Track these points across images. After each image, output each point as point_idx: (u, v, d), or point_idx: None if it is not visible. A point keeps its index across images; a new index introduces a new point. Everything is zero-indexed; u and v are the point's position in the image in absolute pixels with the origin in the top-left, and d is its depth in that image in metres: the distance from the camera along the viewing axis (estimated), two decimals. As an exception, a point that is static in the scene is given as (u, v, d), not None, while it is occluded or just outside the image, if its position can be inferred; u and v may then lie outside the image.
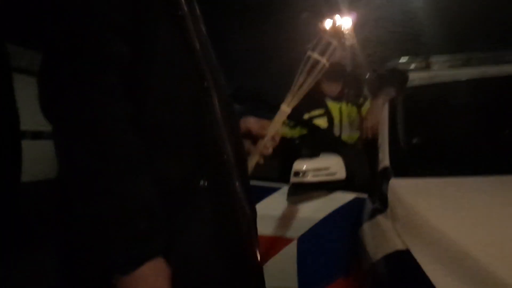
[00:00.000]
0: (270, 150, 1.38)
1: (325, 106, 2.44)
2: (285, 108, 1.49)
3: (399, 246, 1.36)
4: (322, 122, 2.42)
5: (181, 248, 0.84)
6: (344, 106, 2.48)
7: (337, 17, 1.71)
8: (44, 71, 0.79)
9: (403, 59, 2.81)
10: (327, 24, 1.71)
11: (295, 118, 2.35)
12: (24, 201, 1.00)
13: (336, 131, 2.44)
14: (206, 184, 0.88)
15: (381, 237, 1.57)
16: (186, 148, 0.87)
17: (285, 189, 2.18)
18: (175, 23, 0.89)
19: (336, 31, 1.65)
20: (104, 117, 0.77)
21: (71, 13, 0.78)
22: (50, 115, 0.78)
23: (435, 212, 1.39)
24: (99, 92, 0.77)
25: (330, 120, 2.42)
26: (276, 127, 1.42)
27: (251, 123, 1.39)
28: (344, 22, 1.67)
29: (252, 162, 1.35)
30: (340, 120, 2.45)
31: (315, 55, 1.50)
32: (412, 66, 2.71)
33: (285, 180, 2.14)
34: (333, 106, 2.46)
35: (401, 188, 1.64)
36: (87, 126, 0.76)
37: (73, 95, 0.76)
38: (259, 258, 1.04)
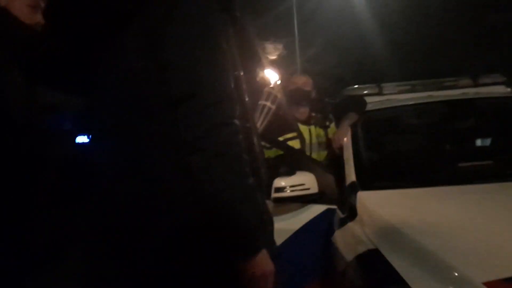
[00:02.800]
0: None
1: (297, 129, 2.78)
2: None
3: (370, 245, 1.66)
4: (295, 143, 2.75)
5: None
6: (313, 128, 2.82)
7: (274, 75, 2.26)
8: None
9: (358, 86, 3.16)
10: (272, 80, 2.25)
11: (271, 140, 2.65)
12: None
13: (307, 151, 2.77)
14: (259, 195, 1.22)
15: (353, 241, 1.87)
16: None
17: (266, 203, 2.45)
18: (236, 81, 1.20)
19: (277, 86, 2.27)
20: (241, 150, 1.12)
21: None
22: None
23: (398, 216, 1.72)
24: (236, 134, 1.11)
25: (302, 141, 2.76)
26: None
27: None
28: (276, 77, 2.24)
29: None
30: (310, 141, 2.79)
31: (266, 103, 2.17)
32: (366, 92, 3.04)
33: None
34: (304, 129, 2.80)
35: (368, 199, 1.96)
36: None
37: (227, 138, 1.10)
38: None
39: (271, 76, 2.36)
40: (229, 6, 1.25)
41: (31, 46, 1.50)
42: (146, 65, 1.14)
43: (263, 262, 1.11)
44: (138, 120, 1.16)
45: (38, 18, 1.55)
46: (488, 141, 3.03)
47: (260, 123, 2.20)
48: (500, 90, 2.93)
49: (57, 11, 1.41)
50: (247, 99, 1.30)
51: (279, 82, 2.32)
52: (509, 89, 2.95)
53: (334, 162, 2.59)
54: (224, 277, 1.14)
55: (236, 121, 1.12)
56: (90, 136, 1.38)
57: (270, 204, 2.42)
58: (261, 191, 1.26)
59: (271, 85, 2.26)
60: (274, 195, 2.31)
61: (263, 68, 2.26)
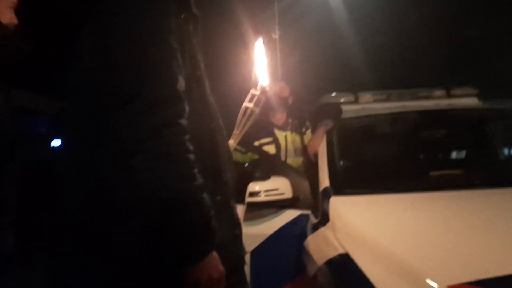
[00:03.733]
0: None
1: (273, 135, 2.80)
2: (232, 143, 2.09)
3: (340, 250, 1.68)
4: (270, 149, 2.77)
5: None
6: (289, 134, 2.84)
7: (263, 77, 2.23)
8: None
9: (335, 94, 3.20)
10: (256, 82, 2.21)
11: (246, 145, 2.66)
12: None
13: (283, 156, 2.79)
14: (221, 198, 1.21)
15: (324, 245, 1.89)
16: (206, 172, 1.16)
17: (239, 208, 2.45)
18: (196, 81, 1.21)
19: (262, 89, 2.18)
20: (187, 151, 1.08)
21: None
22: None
23: (368, 222, 1.75)
24: (182, 135, 1.08)
25: (278, 147, 2.78)
26: None
27: None
28: (265, 78, 2.22)
29: None
30: (286, 147, 2.81)
31: (249, 105, 2.10)
32: (343, 100, 3.09)
33: (239, 200, 2.42)
34: (280, 134, 2.83)
35: (340, 204, 1.98)
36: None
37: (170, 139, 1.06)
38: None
39: (258, 77, 2.24)
40: (186, 6, 1.24)
41: (6, 46, 1.49)
42: (98, 66, 1.13)
43: (211, 267, 1.08)
44: (90, 122, 1.15)
45: (13, 17, 1.54)
46: (458, 151, 3.10)
47: (242, 126, 2.13)
48: (471, 102, 3.00)
49: (25, 12, 1.42)
50: (212, 99, 1.29)
51: (265, 84, 2.22)
52: (480, 102, 3.03)
53: (310, 168, 2.61)
54: (169, 282, 1.10)
55: (183, 121, 1.09)
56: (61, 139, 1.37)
57: (241, 208, 2.43)
58: (224, 195, 1.24)
59: (256, 87, 2.16)
60: (248, 199, 2.32)
61: (250, 68, 2.27)
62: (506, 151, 3.13)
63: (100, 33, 1.13)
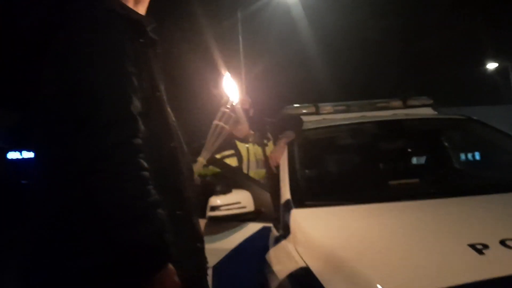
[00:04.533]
0: None
1: (234, 147, 2.78)
2: (202, 160, 2.17)
3: (301, 264, 1.68)
4: (232, 161, 2.74)
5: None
6: (251, 146, 2.83)
7: (232, 94, 2.30)
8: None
9: (296, 105, 3.23)
10: (226, 100, 2.30)
11: (208, 158, 2.63)
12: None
13: (245, 169, 2.77)
14: (182, 213, 1.28)
15: (286, 259, 1.88)
16: (167, 188, 1.23)
17: (200, 222, 2.42)
18: (156, 102, 1.29)
19: (232, 106, 2.29)
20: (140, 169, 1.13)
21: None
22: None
23: (329, 234, 1.76)
24: (135, 154, 1.13)
25: (240, 159, 2.76)
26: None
27: None
28: (236, 97, 2.32)
29: None
30: (248, 159, 2.79)
31: (219, 122, 2.19)
32: (304, 111, 3.12)
33: (201, 214, 2.38)
34: (242, 147, 2.81)
35: (301, 217, 1.98)
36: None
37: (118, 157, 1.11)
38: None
39: (229, 95, 2.33)
40: (143, 31, 1.32)
41: None
42: (56, 90, 1.19)
43: (166, 279, 1.14)
44: (49, 142, 1.21)
45: None
46: (416, 161, 3.18)
47: (212, 143, 2.21)
48: (427, 112, 3.10)
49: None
50: (172, 118, 1.36)
51: (235, 102, 2.31)
52: (435, 111, 3.13)
53: (272, 180, 2.61)
54: None
55: (136, 141, 1.15)
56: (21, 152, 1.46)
57: (202, 222, 2.39)
58: (186, 210, 1.29)
59: (227, 105, 2.25)
60: (209, 213, 2.29)
61: (218, 87, 2.34)
62: (460, 160, 3.24)
63: (58, 58, 1.21)
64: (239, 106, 2.71)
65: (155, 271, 1.13)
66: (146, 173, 1.14)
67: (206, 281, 1.46)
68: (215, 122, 2.20)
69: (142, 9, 1.41)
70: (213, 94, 2.48)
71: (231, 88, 2.26)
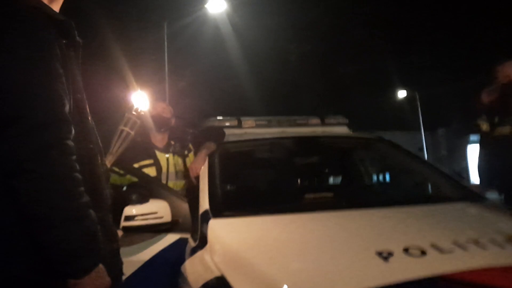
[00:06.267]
0: None
1: (153, 156, 2.71)
2: (106, 165, 2.02)
3: (216, 273, 1.67)
4: (151, 171, 2.67)
5: None
6: (171, 156, 2.78)
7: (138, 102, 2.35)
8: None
9: (219, 118, 3.25)
10: (132, 105, 2.34)
11: (125, 167, 2.54)
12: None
13: (164, 179, 2.71)
14: (100, 215, 1.26)
15: (201, 268, 1.86)
16: (86, 190, 1.22)
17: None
18: (77, 104, 1.28)
19: (138, 112, 2.32)
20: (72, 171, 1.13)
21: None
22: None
23: (244, 243, 1.76)
24: (67, 155, 1.13)
25: (159, 169, 2.69)
26: None
27: None
28: (141, 103, 2.39)
29: None
30: (167, 169, 2.74)
31: (125, 128, 2.21)
32: (227, 124, 3.15)
33: (115, 224, 2.28)
34: (161, 157, 2.75)
35: (219, 227, 1.98)
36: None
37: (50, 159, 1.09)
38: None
39: (135, 101, 2.35)
40: (67, 33, 1.31)
41: None
42: None
43: (98, 279, 1.15)
44: None
45: None
46: (330, 175, 3.33)
47: (117, 147, 2.23)
48: (342, 130, 3.27)
49: None
50: (91, 121, 1.37)
51: (141, 109, 2.32)
52: (349, 130, 3.31)
53: (191, 191, 2.58)
54: None
55: (68, 142, 1.16)
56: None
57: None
58: (103, 211, 1.31)
59: (132, 111, 2.27)
60: (124, 223, 2.19)
61: (126, 93, 2.37)
62: (370, 176, 3.45)
63: None
64: (152, 109, 2.72)
65: (88, 272, 1.13)
66: (78, 175, 1.15)
67: (122, 281, 1.48)
68: (120, 127, 2.23)
69: (56, 8, 1.38)
70: (121, 101, 2.52)
71: (138, 96, 2.31)
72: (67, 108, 1.19)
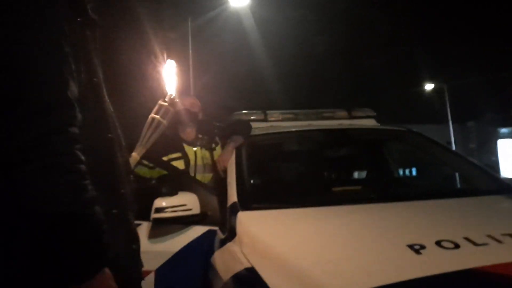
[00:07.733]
0: None
1: (182, 150, 2.75)
2: (136, 156, 2.00)
3: (246, 264, 1.68)
4: (179, 164, 2.71)
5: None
6: (198, 150, 2.81)
7: (172, 88, 2.18)
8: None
9: (245, 112, 3.27)
10: (165, 93, 2.16)
11: (154, 160, 2.58)
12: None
13: (192, 172, 2.74)
14: (117, 212, 1.15)
15: (231, 260, 1.87)
16: (102, 183, 1.09)
17: (145, 225, 2.36)
18: (93, 88, 1.15)
19: (171, 100, 2.13)
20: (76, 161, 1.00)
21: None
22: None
23: (274, 235, 1.77)
24: (71, 144, 1.00)
25: (187, 162, 2.73)
26: None
27: None
28: (175, 92, 2.16)
29: None
30: (195, 162, 2.77)
31: (156, 116, 2.03)
32: (253, 117, 3.16)
33: (145, 217, 2.32)
34: (189, 150, 2.78)
35: (247, 219, 1.99)
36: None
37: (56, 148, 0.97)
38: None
39: (166, 88, 2.15)
40: (81, 9, 1.18)
41: None
42: None
43: (102, 284, 1.01)
44: None
45: None
46: (358, 168, 3.30)
47: (147, 138, 2.02)
48: (370, 123, 3.23)
49: None
50: (110, 108, 1.24)
51: (173, 95, 2.13)
52: (377, 123, 3.27)
53: (219, 184, 2.60)
54: None
55: (73, 129, 1.01)
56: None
57: (145, 224, 2.34)
58: (120, 208, 1.19)
59: (165, 98, 2.07)
60: (154, 215, 2.23)
61: (158, 80, 2.19)
62: (399, 169, 3.40)
63: None
64: (180, 103, 2.65)
65: (91, 276, 0.99)
66: (82, 166, 1.01)
67: (140, 285, 1.33)
68: (152, 115, 2.04)
69: None
70: (152, 85, 2.30)
71: (171, 81, 2.14)
72: (72, 92, 1.04)
